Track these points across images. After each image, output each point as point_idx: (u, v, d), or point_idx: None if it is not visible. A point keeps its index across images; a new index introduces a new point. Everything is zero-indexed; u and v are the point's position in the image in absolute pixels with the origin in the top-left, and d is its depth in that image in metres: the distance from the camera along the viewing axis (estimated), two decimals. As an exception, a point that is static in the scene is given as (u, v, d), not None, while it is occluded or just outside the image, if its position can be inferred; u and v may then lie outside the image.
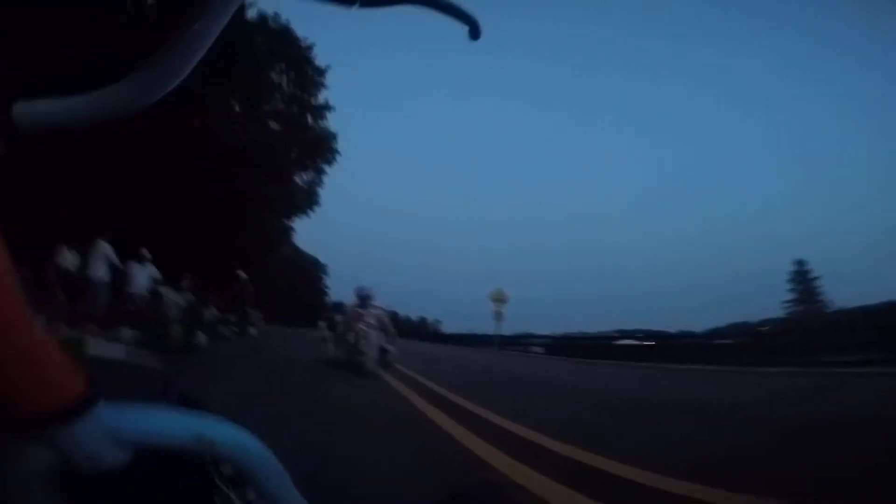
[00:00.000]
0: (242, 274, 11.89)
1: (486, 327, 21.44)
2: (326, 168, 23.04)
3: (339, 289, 46.59)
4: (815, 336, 14.19)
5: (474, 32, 0.47)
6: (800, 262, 51.63)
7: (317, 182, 23.19)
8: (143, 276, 9.13)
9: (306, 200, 22.69)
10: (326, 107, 21.74)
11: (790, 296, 51.23)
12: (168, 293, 6.97)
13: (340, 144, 22.76)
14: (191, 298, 6.93)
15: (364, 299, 7.15)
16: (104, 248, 8.46)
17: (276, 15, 19.36)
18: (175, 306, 6.75)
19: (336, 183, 24.82)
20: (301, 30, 20.62)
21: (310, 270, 41.36)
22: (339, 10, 0.43)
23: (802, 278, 51.37)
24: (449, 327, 58.76)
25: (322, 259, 48.80)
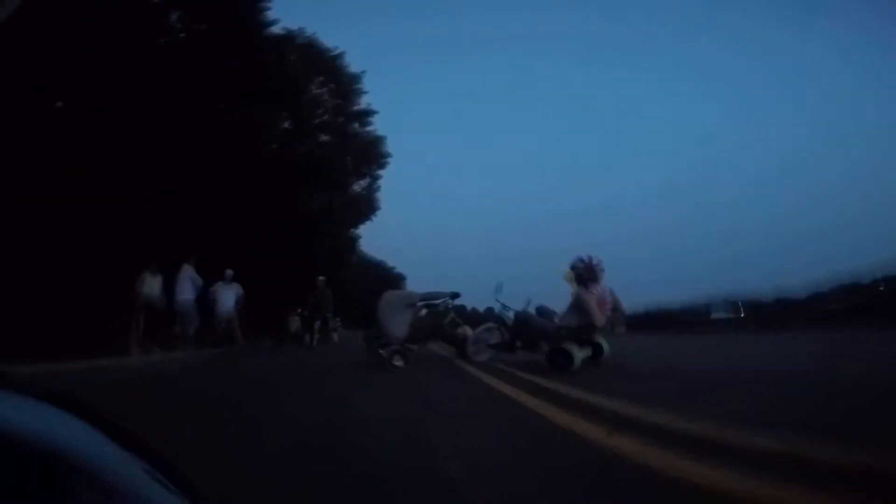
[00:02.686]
0: (321, 280, 11.92)
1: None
2: (381, 173, 23.04)
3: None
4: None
5: None
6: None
7: (374, 187, 23.24)
8: (230, 295, 9.32)
9: (367, 207, 22.77)
10: (369, 112, 21.59)
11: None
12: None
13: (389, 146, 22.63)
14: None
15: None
16: (188, 272, 8.63)
17: (302, 29, 19.25)
18: None
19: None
20: (329, 40, 20.58)
21: (380, 274, 42.09)
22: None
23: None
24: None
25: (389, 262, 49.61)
